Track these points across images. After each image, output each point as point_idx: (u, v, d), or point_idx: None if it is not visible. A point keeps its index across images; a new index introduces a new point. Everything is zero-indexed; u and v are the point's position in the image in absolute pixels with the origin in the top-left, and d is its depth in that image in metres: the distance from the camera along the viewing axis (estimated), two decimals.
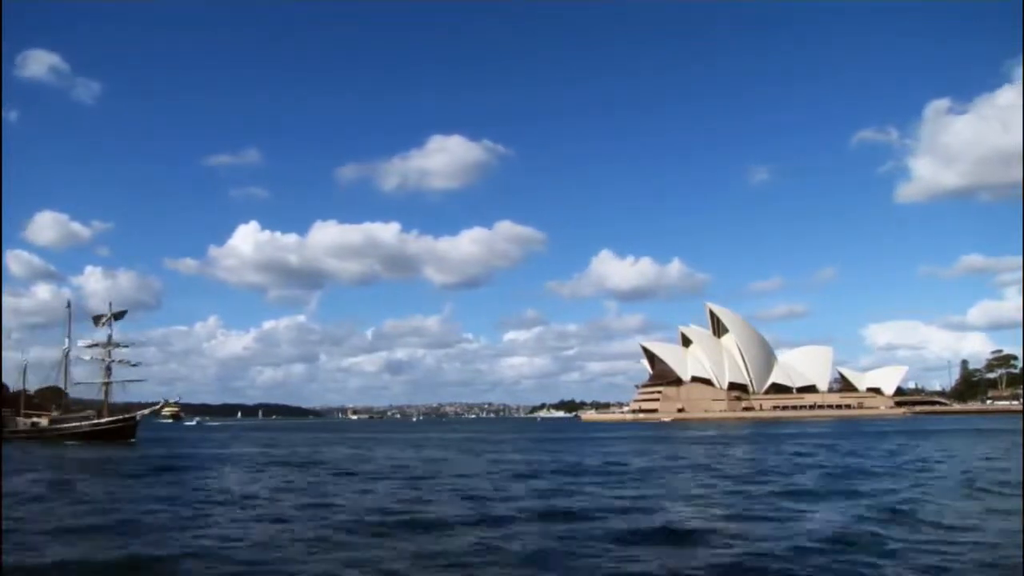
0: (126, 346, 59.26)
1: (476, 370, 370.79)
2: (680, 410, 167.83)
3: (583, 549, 12.76)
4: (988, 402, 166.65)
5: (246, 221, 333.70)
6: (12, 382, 70.28)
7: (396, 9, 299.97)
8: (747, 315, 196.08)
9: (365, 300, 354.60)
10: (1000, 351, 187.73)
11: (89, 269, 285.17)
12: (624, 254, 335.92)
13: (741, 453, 41.39)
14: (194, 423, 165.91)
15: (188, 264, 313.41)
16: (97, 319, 58.25)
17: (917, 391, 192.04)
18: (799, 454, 38.30)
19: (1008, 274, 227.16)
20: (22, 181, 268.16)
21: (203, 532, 14.80)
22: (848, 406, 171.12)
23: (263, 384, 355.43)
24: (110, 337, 58.00)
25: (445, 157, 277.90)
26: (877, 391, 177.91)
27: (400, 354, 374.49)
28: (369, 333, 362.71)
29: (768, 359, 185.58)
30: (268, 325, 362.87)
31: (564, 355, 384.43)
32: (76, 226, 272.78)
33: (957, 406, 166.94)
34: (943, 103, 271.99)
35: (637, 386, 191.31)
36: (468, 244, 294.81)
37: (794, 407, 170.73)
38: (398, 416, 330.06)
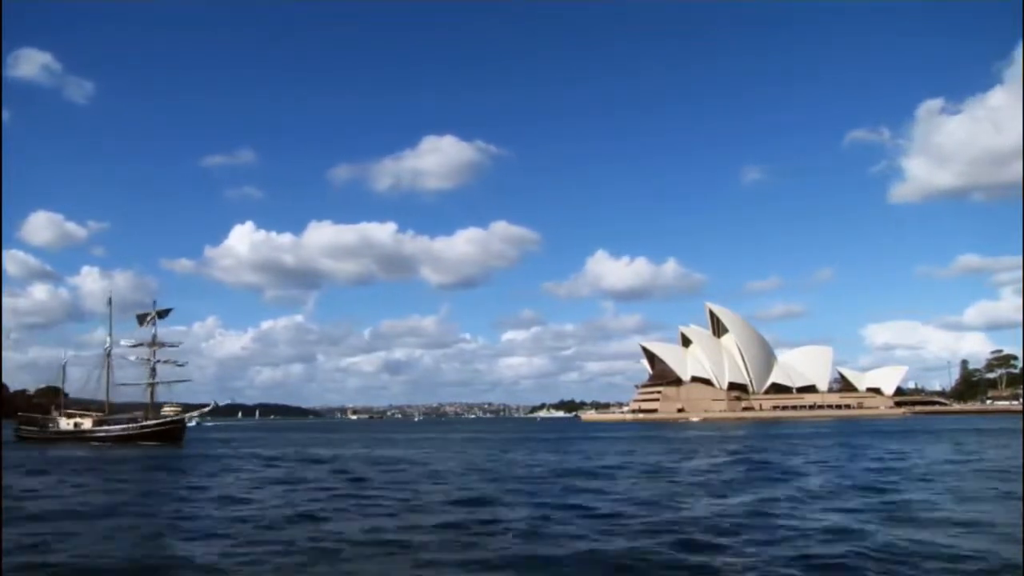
0: (173, 345, 57.08)
1: (475, 370, 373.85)
2: (680, 410, 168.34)
3: None
4: (988, 402, 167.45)
5: (242, 221, 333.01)
6: (13, 382, 68.93)
7: (390, 10, 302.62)
8: (745, 315, 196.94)
9: (362, 300, 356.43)
10: (1000, 351, 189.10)
11: (86, 269, 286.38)
12: (619, 254, 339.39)
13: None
14: (193, 423, 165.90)
15: (184, 264, 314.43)
16: (142, 318, 55.93)
17: (917, 391, 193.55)
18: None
19: (1004, 274, 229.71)
20: (16, 181, 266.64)
21: None
22: (848, 406, 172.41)
23: (262, 384, 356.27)
24: (154, 336, 55.58)
25: (438, 157, 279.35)
26: (877, 391, 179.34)
27: (398, 354, 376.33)
28: (367, 333, 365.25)
29: (768, 359, 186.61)
30: (266, 325, 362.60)
31: (562, 355, 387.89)
32: (71, 226, 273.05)
33: (957, 406, 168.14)
34: (936, 103, 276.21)
35: (637, 386, 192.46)
36: (464, 244, 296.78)
37: (794, 407, 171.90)
38: (399, 416, 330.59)
